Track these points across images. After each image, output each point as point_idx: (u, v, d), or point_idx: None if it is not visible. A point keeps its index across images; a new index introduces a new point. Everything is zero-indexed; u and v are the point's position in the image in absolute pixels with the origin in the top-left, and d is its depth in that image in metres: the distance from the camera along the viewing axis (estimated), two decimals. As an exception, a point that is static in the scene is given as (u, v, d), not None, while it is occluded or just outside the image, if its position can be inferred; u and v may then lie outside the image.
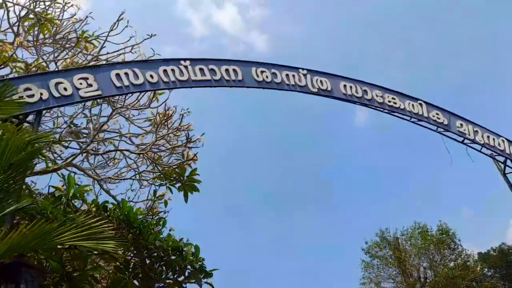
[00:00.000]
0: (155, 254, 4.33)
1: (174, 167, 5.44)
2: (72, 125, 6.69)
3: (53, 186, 4.75)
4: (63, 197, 3.94)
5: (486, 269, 36.27)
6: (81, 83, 4.79)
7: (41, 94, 4.53)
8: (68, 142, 6.38)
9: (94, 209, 4.18)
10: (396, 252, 34.00)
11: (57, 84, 4.67)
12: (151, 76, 5.37)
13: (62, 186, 4.44)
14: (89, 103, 6.59)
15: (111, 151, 5.64)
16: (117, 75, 5.13)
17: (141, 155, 5.83)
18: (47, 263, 4.35)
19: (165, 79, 5.46)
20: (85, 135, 6.39)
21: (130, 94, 5.66)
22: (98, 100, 6.67)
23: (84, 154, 6.18)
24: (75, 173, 5.53)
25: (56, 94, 4.61)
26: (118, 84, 5.09)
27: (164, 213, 5.98)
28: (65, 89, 4.64)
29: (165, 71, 5.51)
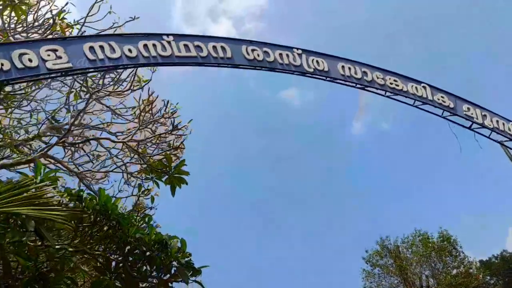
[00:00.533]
0: (137, 250, 3.66)
1: (160, 158, 4.85)
2: (53, 121, 6.10)
3: (20, 173, 4.18)
4: (30, 185, 3.28)
5: (488, 277, 35.66)
6: (49, 55, 4.24)
7: (2, 64, 4.01)
8: (50, 137, 5.78)
9: (67, 199, 3.53)
10: (397, 261, 33.31)
11: (21, 55, 4.14)
12: (130, 51, 4.80)
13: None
14: (71, 98, 6.06)
15: (90, 139, 5.03)
16: (91, 48, 4.59)
17: (124, 146, 5.23)
18: (16, 262, 3.70)
19: (146, 54, 4.88)
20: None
21: (108, 74, 5.11)
22: (79, 92, 6.11)
23: (68, 153, 5.58)
24: (55, 167, 4.92)
25: (19, 65, 4.06)
26: (91, 57, 4.54)
27: (151, 209, 5.35)
28: (30, 60, 4.08)
29: (145, 45, 4.94)
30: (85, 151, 5.41)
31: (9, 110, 5.78)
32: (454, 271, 32.39)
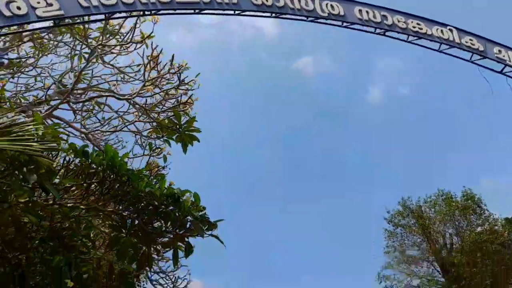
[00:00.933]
0: (151, 206, 3.52)
1: (168, 113, 4.65)
2: (60, 85, 5.96)
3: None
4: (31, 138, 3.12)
5: (514, 234, 35.12)
6: (38, 2, 4.02)
7: (-12, 13, 3.78)
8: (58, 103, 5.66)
9: (71, 155, 3.36)
10: (419, 220, 33.15)
11: (8, 2, 3.97)
12: (126, -4, 4.48)
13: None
14: (76, 61, 5.88)
15: (95, 97, 4.87)
16: (85, -7, 4.29)
17: (131, 105, 5.05)
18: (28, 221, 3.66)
19: (144, 0, 4.58)
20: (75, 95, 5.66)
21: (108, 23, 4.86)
22: (83, 54, 5.90)
23: (77, 118, 5.46)
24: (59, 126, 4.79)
25: (7, 13, 3.88)
26: (84, 3, 4.29)
27: (163, 168, 5.22)
28: (19, 8, 3.88)
29: (143, -9, 4.60)
30: (91, 111, 5.26)
31: (15, 75, 5.66)
32: (479, 229, 32.04)
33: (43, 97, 5.52)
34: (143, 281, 14.64)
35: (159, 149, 5.04)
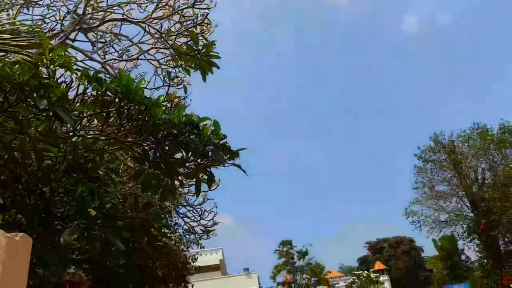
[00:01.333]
0: (170, 137, 3.34)
1: (184, 36, 4.32)
2: (75, 15, 5.68)
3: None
4: (40, 64, 2.95)
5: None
6: None
7: None
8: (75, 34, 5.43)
9: (85, 82, 3.18)
10: (451, 155, 32.47)
11: None
12: None
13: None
14: None
15: (107, 21, 4.58)
16: None
17: (145, 29, 4.75)
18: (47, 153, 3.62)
19: None
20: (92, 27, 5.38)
21: None
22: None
23: (96, 49, 5.23)
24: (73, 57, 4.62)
25: None
26: None
27: (184, 99, 5.02)
28: None
29: None
30: (108, 42, 5.02)
31: (29, 6, 5.41)
32: (514, 163, 31.09)
33: (59, 29, 5.28)
34: (175, 217, 15.35)
35: (179, 79, 4.81)
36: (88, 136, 3.82)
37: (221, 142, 3.60)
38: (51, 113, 2.92)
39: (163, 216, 13.45)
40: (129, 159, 4.62)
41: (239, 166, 3.64)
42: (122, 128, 3.73)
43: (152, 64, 5.33)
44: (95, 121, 3.94)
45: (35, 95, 2.71)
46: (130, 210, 4.20)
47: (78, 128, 3.73)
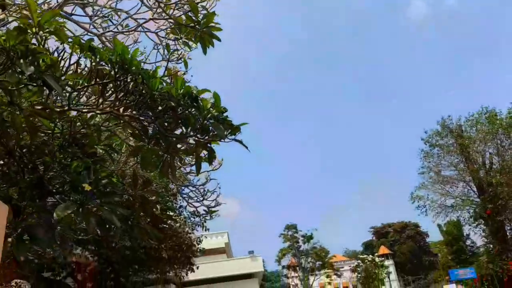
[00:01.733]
0: (169, 111, 3.19)
1: (183, 5, 4.11)
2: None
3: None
4: (29, 30, 2.78)
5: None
6: None
7: None
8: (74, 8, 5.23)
9: (78, 51, 3.00)
10: (459, 139, 32.05)
11: None
12: None
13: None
14: None
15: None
16: None
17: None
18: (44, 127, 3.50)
19: None
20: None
21: None
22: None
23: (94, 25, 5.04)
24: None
25: None
26: None
27: (184, 74, 4.83)
28: None
29: None
30: (106, 16, 4.81)
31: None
32: (522, 148, 30.63)
33: (55, 2, 5.09)
34: (179, 200, 15.30)
35: (179, 52, 4.61)
36: (84, 110, 3.68)
37: (222, 116, 3.43)
38: (40, 82, 2.78)
39: (166, 197, 13.42)
40: (128, 136, 4.48)
41: (240, 142, 3.49)
42: (118, 103, 3.57)
43: (152, 40, 5.13)
44: (92, 98, 3.79)
45: (22, 61, 2.56)
46: (129, 188, 4.08)
47: (73, 102, 3.58)
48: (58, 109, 3.42)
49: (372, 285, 41.31)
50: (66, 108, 3.39)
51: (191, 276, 16.44)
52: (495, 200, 30.13)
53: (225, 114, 3.39)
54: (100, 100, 3.48)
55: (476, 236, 36.23)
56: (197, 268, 16.21)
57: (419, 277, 65.83)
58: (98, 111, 3.53)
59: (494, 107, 31.08)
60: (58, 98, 3.78)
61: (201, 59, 5.67)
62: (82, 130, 3.68)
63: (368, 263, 41.86)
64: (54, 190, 3.32)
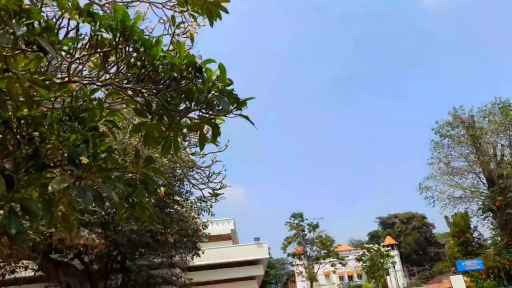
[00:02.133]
0: (173, 83, 3.02)
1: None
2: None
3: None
4: None
5: None
6: None
7: None
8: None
9: (76, 16, 2.84)
10: (470, 130, 31.52)
11: None
12: None
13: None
14: None
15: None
16: None
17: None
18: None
19: None
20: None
21: None
22: None
23: None
24: None
25: None
26: None
27: (190, 49, 4.64)
28: None
29: None
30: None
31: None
32: (535, 140, 30.04)
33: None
34: (186, 185, 15.20)
35: (185, 25, 4.42)
36: (84, 82, 3.54)
37: (227, 88, 3.26)
38: (36, 48, 2.63)
39: (173, 182, 13.33)
40: (130, 112, 4.34)
41: (246, 118, 3.31)
42: (121, 75, 3.42)
43: (156, 14, 4.94)
44: (93, 72, 3.63)
45: (14, 21, 2.39)
46: (131, 165, 3.96)
47: (73, 73, 3.44)
48: (58, 80, 3.28)
49: (377, 274, 41.33)
50: (66, 79, 3.24)
51: (197, 261, 16.50)
52: (505, 192, 29.70)
53: (230, 87, 3.22)
54: (101, 73, 3.33)
55: (484, 228, 35.92)
56: (203, 253, 16.25)
57: (424, 268, 65.82)
58: (99, 83, 3.38)
59: (508, 98, 30.45)
60: (58, 69, 3.63)
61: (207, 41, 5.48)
62: (83, 104, 3.54)
63: (373, 252, 41.82)
64: (51, 164, 3.19)
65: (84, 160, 2.86)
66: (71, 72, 3.52)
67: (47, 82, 3.24)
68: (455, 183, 33.36)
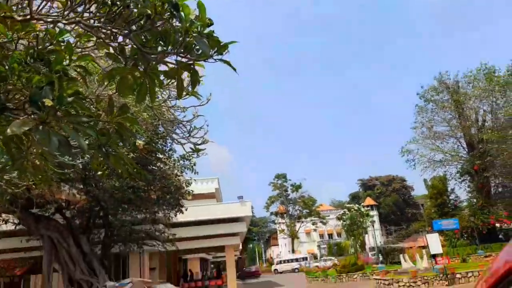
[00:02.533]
0: (147, 23, 2.71)
1: None
2: None
3: None
4: None
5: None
6: None
7: None
8: None
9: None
10: (454, 95, 31.74)
11: None
12: None
13: None
14: None
15: None
16: None
17: None
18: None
19: None
20: None
21: None
22: None
23: None
24: None
25: None
26: None
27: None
28: None
29: None
30: None
31: None
32: (517, 106, 30.47)
33: None
34: (169, 142, 14.93)
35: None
36: (48, 20, 3.22)
37: (207, 30, 3.00)
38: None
39: (156, 139, 13.06)
40: (105, 60, 4.04)
41: (228, 63, 3.06)
42: (89, 14, 3.11)
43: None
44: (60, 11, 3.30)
45: None
46: (105, 115, 3.72)
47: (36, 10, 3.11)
48: (19, 18, 2.96)
49: (356, 233, 42.88)
50: (28, 16, 2.93)
51: (181, 218, 16.61)
52: (484, 157, 30.49)
53: (211, 29, 2.95)
54: (67, 11, 3.02)
55: (461, 191, 37.22)
56: (186, 209, 16.33)
57: (401, 227, 68.59)
58: (64, 21, 3.07)
59: (493, 65, 30.51)
60: (19, 5, 3.30)
61: None
62: (50, 47, 3.23)
63: (353, 212, 43.13)
64: (12, 107, 2.93)
65: (48, 102, 2.61)
66: (34, 9, 3.20)
67: (6, 20, 2.95)
68: (436, 147, 34.04)
